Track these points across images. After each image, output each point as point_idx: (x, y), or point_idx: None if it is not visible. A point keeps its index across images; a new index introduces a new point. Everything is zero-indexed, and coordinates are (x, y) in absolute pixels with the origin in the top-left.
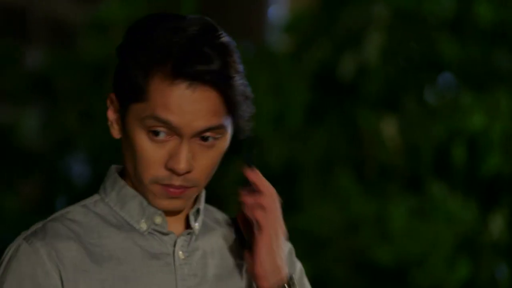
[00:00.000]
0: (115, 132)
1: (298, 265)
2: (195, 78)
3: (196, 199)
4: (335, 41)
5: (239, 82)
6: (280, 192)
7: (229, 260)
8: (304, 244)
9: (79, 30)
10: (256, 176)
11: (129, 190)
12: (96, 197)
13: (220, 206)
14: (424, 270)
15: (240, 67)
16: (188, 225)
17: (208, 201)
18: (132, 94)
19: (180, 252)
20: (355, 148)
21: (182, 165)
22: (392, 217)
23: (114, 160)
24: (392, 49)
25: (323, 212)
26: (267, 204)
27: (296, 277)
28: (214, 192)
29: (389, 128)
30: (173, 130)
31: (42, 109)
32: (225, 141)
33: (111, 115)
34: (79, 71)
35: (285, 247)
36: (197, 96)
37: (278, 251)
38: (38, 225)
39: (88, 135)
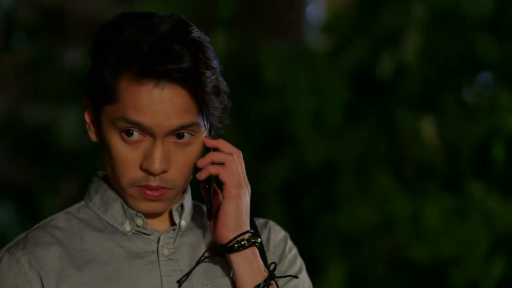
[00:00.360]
0: (92, 135)
1: (293, 252)
2: (162, 76)
3: (181, 196)
4: (373, 40)
5: (211, 78)
6: (318, 191)
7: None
8: (342, 243)
9: None
10: (217, 142)
11: (112, 193)
12: (80, 203)
13: (260, 208)
14: (460, 269)
15: (214, 63)
16: (171, 222)
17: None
18: (103, 95)
19: (166, 249)
20: (393, 148)
21: (156, 165)
22: (428, 216)
23: None
24: (430, 49)
25: (361, 212)
26: (225, 159)
27: (286, 260)
28: (254, 192)
29: (428, 127)
30: (145, 131)
31: (80, 109)
32: (200, 138)
33: (87, 117)
34: None
35: (248, 201)
36: (166, 94)
37: (244, 203)
38: (21, 235)
39: None
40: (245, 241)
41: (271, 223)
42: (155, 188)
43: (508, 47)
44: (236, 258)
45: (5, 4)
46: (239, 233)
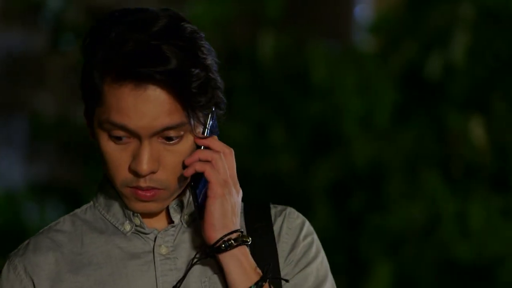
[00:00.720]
0: (90, 135)
1: (308, 240)
2: (143, 78)
3: (181, 193)
4: (422, 40)
5: (199, 75)
6: (366, 191)
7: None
8: (389, 243)
9: None
10: (208, 140)
11: (113, 193)
12: (89, 204)
13: (307, 208)
14: (506, 267)
15: (206, 60)
16: (169, 220)
17: (296, 202)
18: (91, 97)
19: (164, 247)
20: (442, 148)
21: (144, 166)
22: (475, 215)
23: None
24: (479, 48)
25: (409, 212)
26: (211, 157)
27: (299, 250)
28: (302, 193)
29: (476, 127)
30: (130, 133)
31: None
32: (191, 136)
33: (85, 118)
34: None
35: (239, 201)
36: (148, 95)
37: (230, 202)
38: (24, 243)
39: None
40: (232, 241)
41: (288, 211)
42: (146, 189)
43: None
44: (226, 259)
45: (53, 5)
46: (226, 232)
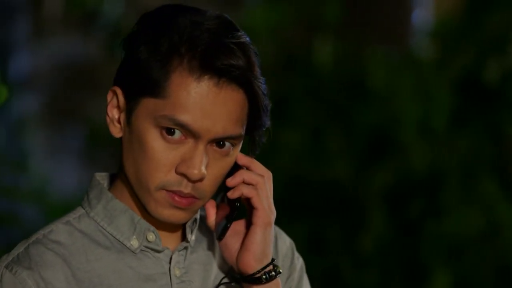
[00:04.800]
0: (116, 131)
1: (300, 262)
2: (224, 73)
3: None
4: (480, 45)
5: (264, 86)
6: (423, 197)
7: (227, 268)
8: (448, 250)
9: None
10: (249, 160)
11: (118, 204)
12: (80, 211)
13: (364, 215)
14: None
15: (260, 72)
16: (182, 238)
17: (352, 209)
18: (147, 87)
19: (177, 269)
20: (500, 153)
21: (197, 170)
22: None
23: None
24: None
25: (467, 218)
26: (257, 181)
27: (296, 274)
28: (358, 199)
29: None
30: (190, 133)
31: None
32: (238, 151)
33: (112, 111)
34: None
35: (273, 231)
36: (222, 97)
37: (272, 231)
38: (19, 249)
39: None
40: (273, 272)
41: (277, 228)
42: (185, 196)
43: None
44: None
45: (110, 11)
46: (266, 263)
